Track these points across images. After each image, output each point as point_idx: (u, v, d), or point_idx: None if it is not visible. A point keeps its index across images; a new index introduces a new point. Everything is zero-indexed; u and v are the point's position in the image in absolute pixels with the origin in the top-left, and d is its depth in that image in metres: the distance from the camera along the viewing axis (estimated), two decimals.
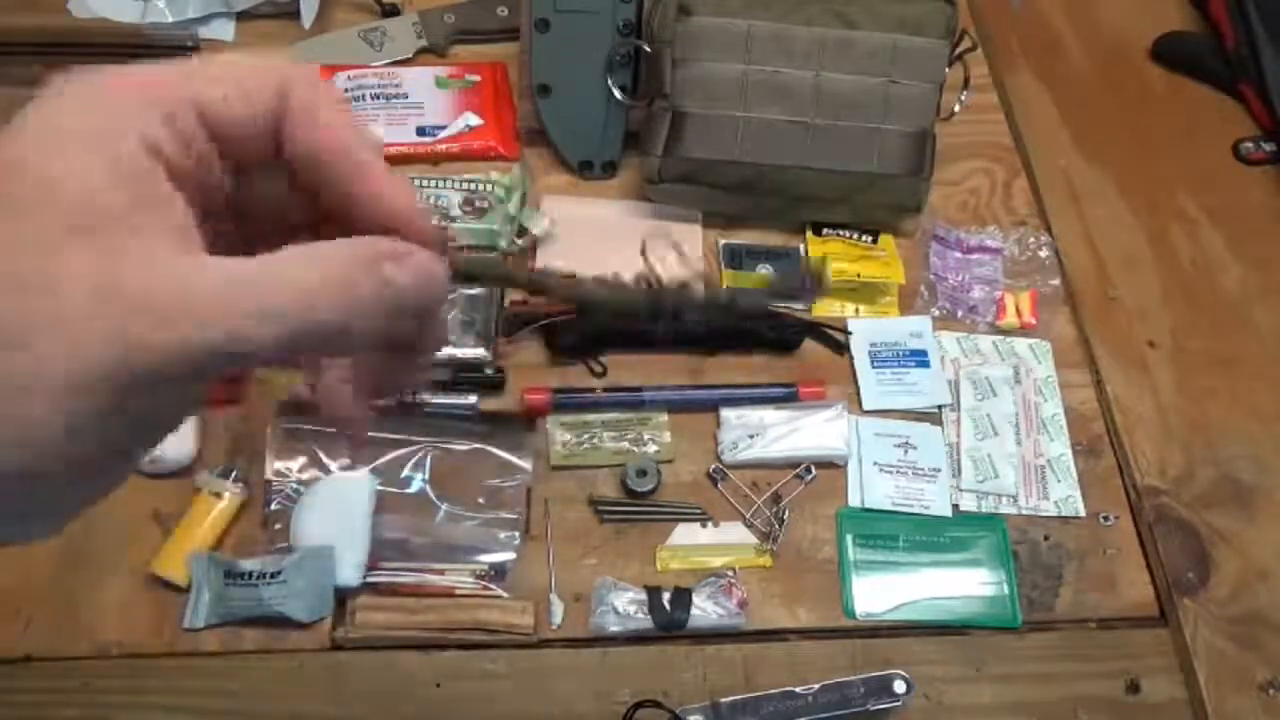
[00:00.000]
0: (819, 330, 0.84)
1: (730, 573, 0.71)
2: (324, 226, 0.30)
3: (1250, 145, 0.99)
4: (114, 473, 0.27)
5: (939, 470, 0.78)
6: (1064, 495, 0.77)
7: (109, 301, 0.23)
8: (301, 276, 0.25)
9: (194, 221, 0.26)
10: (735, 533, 0.74)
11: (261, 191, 0.30)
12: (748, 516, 0.75)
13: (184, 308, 0.23)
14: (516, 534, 0.72)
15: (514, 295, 0.84)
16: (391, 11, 1.01)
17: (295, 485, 0.73)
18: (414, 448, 0.75)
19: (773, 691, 0.66)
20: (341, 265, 0.26)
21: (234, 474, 0.72)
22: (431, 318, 0.31)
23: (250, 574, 0.68)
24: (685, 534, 0.74)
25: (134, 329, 0.23)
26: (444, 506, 0.73)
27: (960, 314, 0.86)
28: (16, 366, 0.22)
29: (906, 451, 0.78)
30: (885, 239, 0.89)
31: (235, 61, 0.28)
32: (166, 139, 0.26)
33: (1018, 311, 0.86)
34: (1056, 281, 0.88)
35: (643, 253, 0.28)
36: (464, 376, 0.78)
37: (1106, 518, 0.77)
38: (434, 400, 0.77)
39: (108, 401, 0.23)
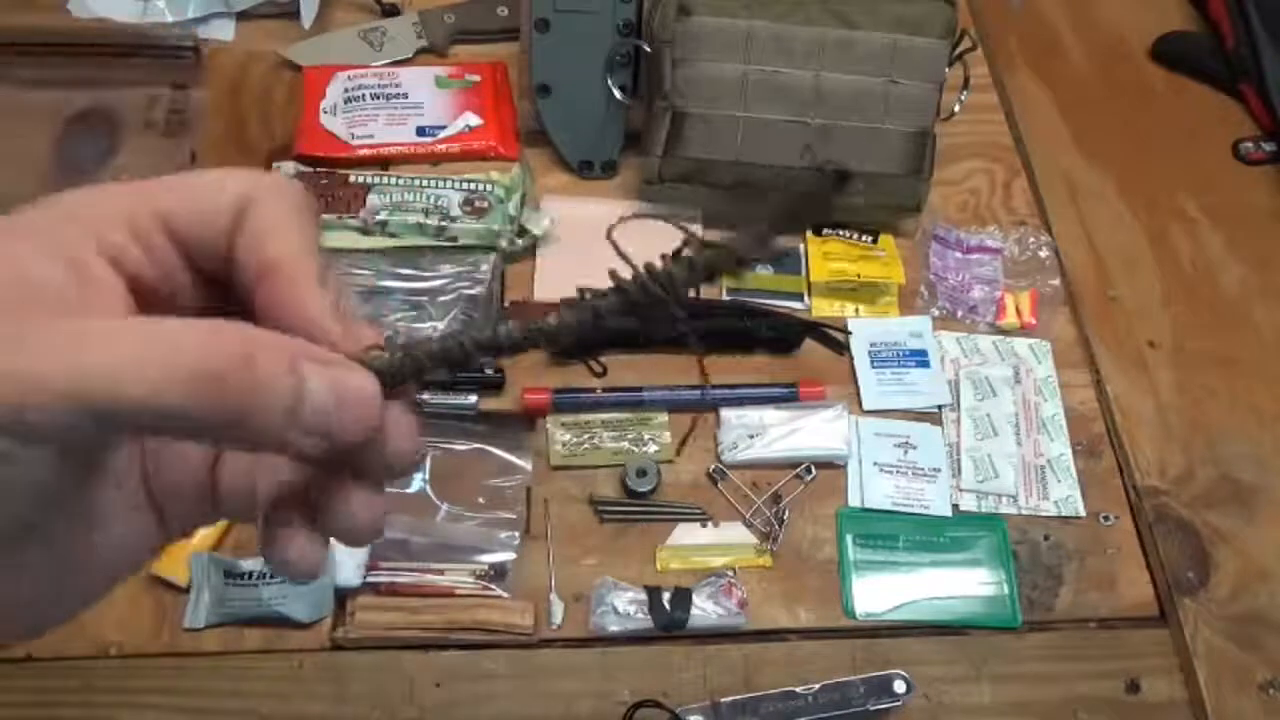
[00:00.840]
0: (819, 330, 0.84)
1: (730, 573, 0.71)
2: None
3: (1250, 145, 0.99)
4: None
5: (939, 470, 0.78)
6: (1064, 495, 0.77)
7: None
8: (182, 339, 0.23)
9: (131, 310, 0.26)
10: (735, 533, 0.74)
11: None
12: (748, 516, 0.75)
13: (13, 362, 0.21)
14: (516, 534, 0.72)
15: (513, 295, 0.84)
16: (391, 11, 1.01)
17: None
18: None
19: (773, 691, 0.66)
20: (201, 344, 0.23)
21: None
22: (361, 446, 0.27)
23: (250, 574, 0.68)
24: (685, 534, 0.74)
25: None
26: (444, 506, 0.73)
27: (960, 314, 0.86)
28: None
29: (906, 451, 0.78)
30: (885, 239, 0.89)
31: (202, 174, 0.28)
32: (127, 245, 0.26)
33: (1018, 311, 0.86)
34: (1056, 281, 0.88)
35: (619, 253, 0.25)
36: (464, 376, 0.78)
37: (1106, 518, 0.77)
38: (434, 400, 0.77)
39: None
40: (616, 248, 0.27)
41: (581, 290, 0.28)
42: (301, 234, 0.28)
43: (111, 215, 0.26)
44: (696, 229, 0.28)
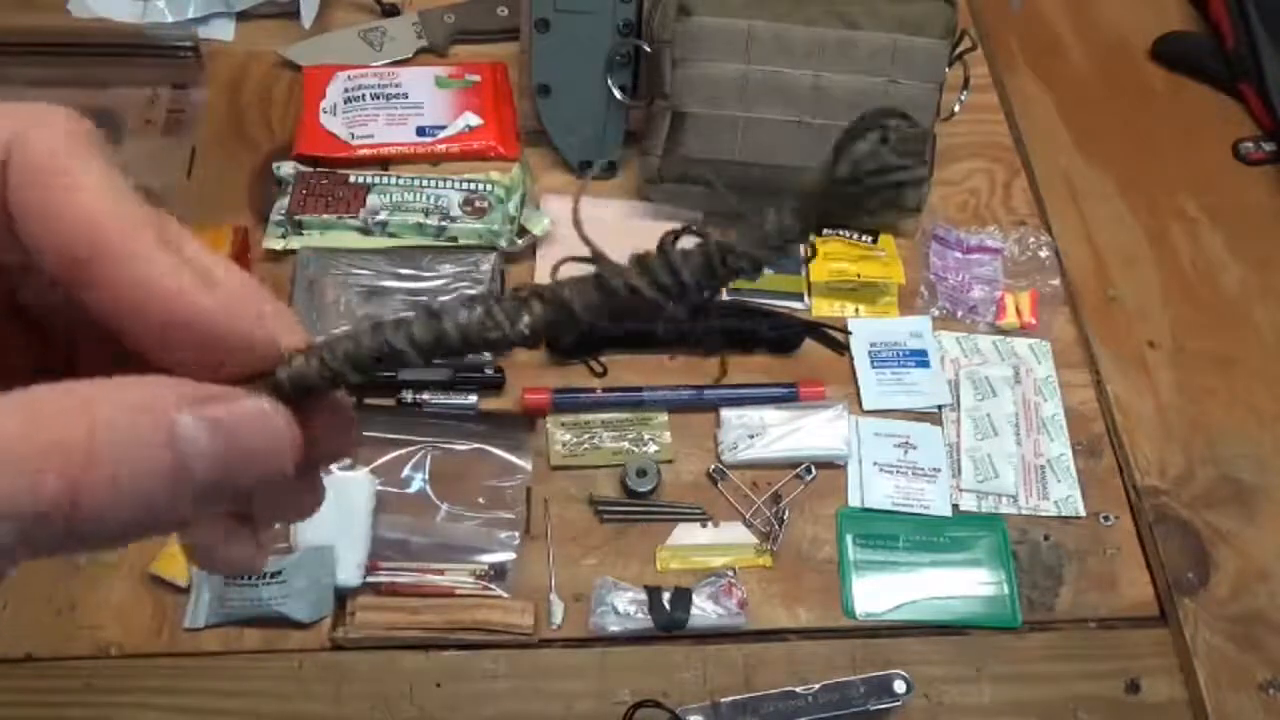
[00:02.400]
0: (819, 330, 0.84)
1: (730, 573, 0.71)
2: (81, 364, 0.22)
3: (1250, 145, 0.99)
4: None
5: (939, 470, 0.78)
6: (1064, 495, 0.77)
7: None
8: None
9: None
10: (735, 533, 0.74)
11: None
12: (748, 516, 0.75)
13: None
14: (516, 534, 0.72)
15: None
16: (391, 11, 1.01)
17: None
18: (414, 448, 0.75)
19: (773, 691, 0.66)
20: (58, 417, 0.17)
21: None
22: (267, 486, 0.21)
23: (250, 574, 0.68)
24: (685, 534, 0.74)
25: None
26: (444, 506, 0.73)
27: (960, 314, 0.86)
28: None
29: (906, 451, 0.78)
30: (885, 239, 0.89)
31: None
32: None
33: (1018, 311, 0.86)
34: (1056, 281, 0.88)
35: (596, 256, 0.21)
36: (464, 376, 0.78)
37: (1106, 518, 0.77)
38: (434, 400, 0.77)
39: None
40: (587, 241, 0.24)
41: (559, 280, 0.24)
42: (106, 177, 0.19)
43: None
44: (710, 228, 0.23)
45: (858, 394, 0.81)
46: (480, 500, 0.73)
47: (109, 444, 0.18)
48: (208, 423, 0.19)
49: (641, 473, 0.74)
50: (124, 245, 0.19)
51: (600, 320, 0.23)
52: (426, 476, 0.74)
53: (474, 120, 0.93)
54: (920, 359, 0.83)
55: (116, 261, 0.19)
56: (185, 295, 0.19)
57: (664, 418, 0.78)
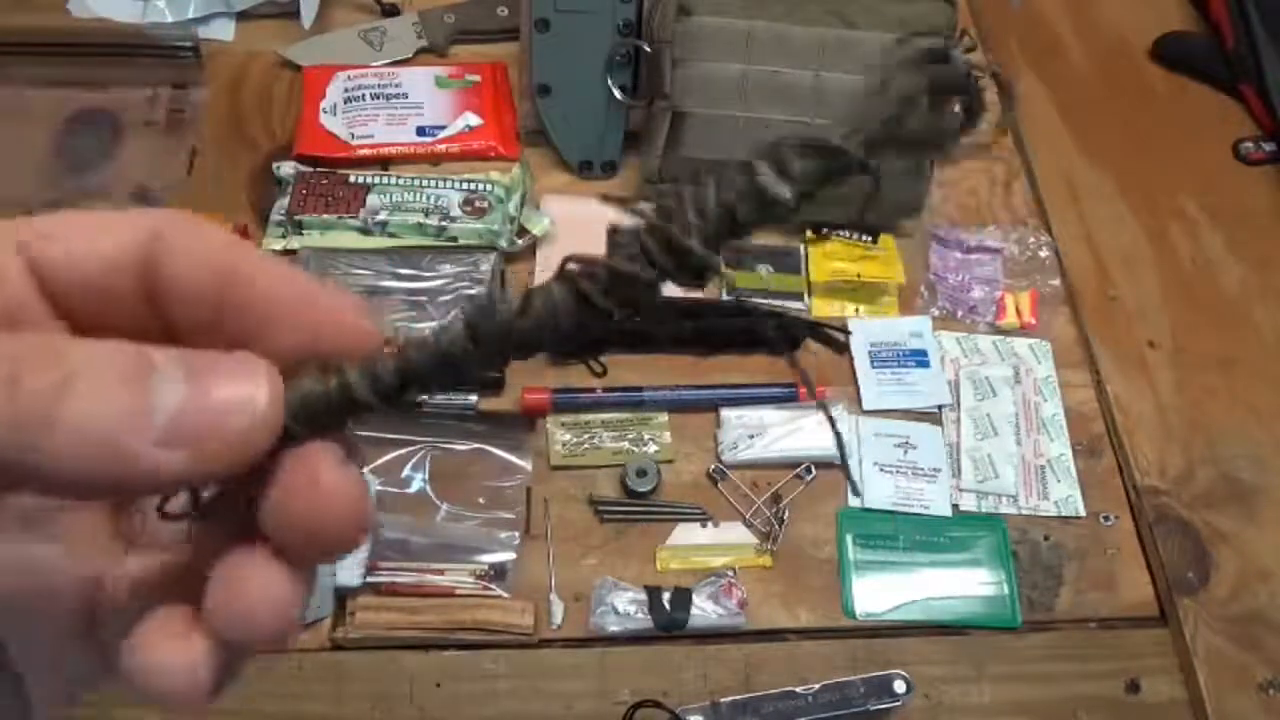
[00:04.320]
0: (819, 330, 0.84)
1: (730, 573, 0.71)
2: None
3: (1250, 145, 0.99)
4: None
5: (939, 470, 0.78)
6: (1064, 495, 0.77)
7: None
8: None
9: None
10: (735, 533, 0.74)
11: None
12: (748, 516, 0.75)
13: None
14: (516, 534, 0.72)
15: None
16: (391, 11, 1.01)
17: None
18: (414, 448, 0.75)
19: (773, 691, 0.66)
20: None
21: None
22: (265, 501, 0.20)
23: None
24: (685, 534, 0.74)
25: None
26: (444, 506, 0.73)
27: (960, 314, 0.86)
28: None
29: (906, 451, 0.78)
30: (885, 239, 0.89)
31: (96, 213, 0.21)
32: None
33: (1018, 311, 0.86)
34: (1056, 281, 0.88)
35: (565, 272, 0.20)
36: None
37: (1106, 518, 0.77)
38: (434, 400, 0.77)
39: None
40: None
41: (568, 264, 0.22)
42: (237, 240, 0.22)
43: None
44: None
45: (858, 394, 0.81)
46: (480, 500, 0.73)
47: (86, 360, 0.18)
48: (185, 365, 0.19)
49: (641, 473, 0.74)
50: (251, 254, 0.21)
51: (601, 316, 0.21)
52: (426, 476, 0.74)
53: (474, 120, 0.93)
54: (920, 359, 0.83)
55: (253, 264, 0.21)
56: (307, 277, 0.21)
57: (664, 418, 0.78)
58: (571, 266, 0.21)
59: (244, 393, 0.19)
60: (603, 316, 0.21)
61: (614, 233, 0.21)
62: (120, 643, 0.21)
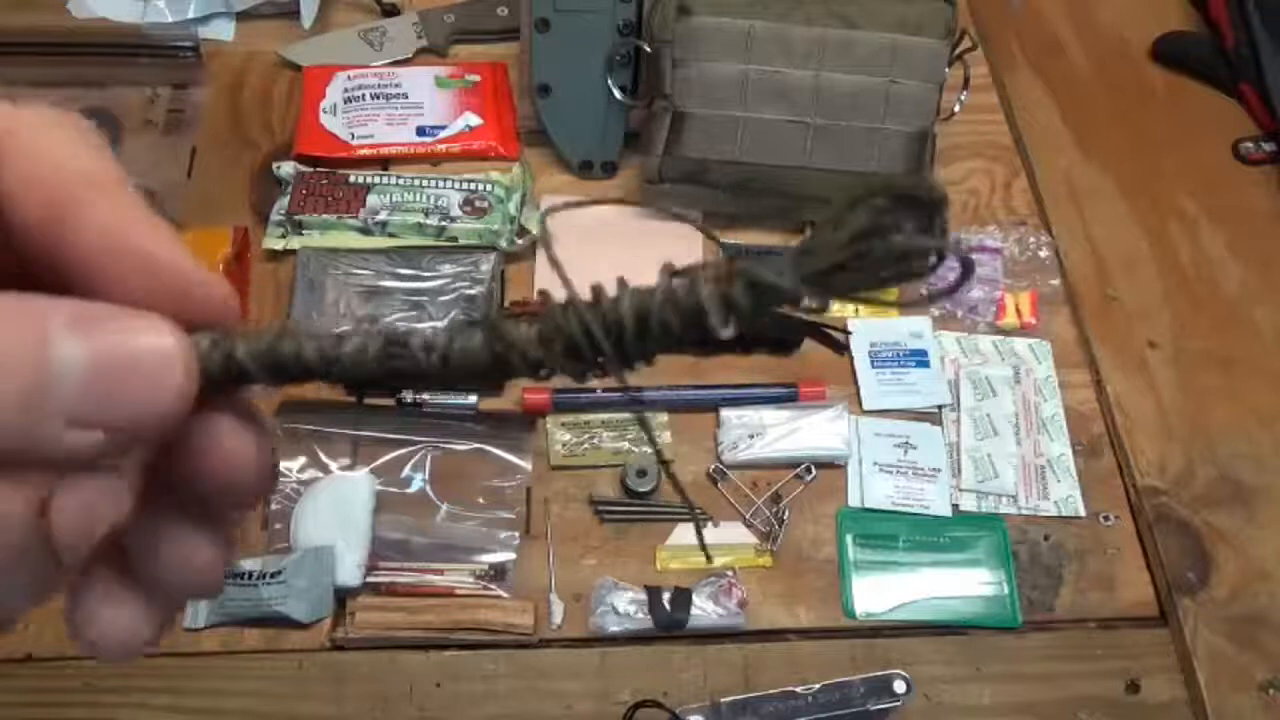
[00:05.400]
0: (819, 330, 0.83)
1: (730, 573, 0.71)
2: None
3: (1250, 145, 0.99)
4: None
5: (939, 470, 0.78)
6: (1064, 495, 0.77)
7: None
8: None
9: None
10: (735, 533, 0.74)
11: None
12: (748, 516, 0.75)
13: None
14: (516, 534, 0.72)
15: (513, 296, 0.84)
16: (391, 11, 1.01)
17: (295, 485, 0.73)
18: (414, 448, 0.75)
19: (773, 691, 0.66)
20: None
21: None
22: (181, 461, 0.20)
23: (250, 574, 0.68)
24: (685, 534, 0.74)
25: None
26: (444, 506, 0.73)
27: (960, 314, 0.86)
28: None
29: (906, 451, 0.78)
30: None
31: None
32: None
33: (1018, 311, 0.86)
34: (1056, 281, 0.88)
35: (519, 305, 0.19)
36: None
37: (1106, 518, 0.77)
38: (434, 400, 0.77)
39: None
40: (549, 251, 0.22)
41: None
42: (96, 158, 0.19)
43: None
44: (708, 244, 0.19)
45: (858, 394, 0.81)
46: (480, 500, 0.73)
47: None
48: (97, 339, 0.17)
49: (641, 473, 0.74)
50: (98, 190, 0.19)
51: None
52: (426, 476, 0.74)
53: (474, 120, 0.93)
54: (920, 359, 0.83)
55: (93, 205, 0.19)
56: (160, 232, 0.19)
57: (664, 418, 0.78)
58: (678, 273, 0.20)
59: (158, 360, 0.18)
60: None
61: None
62: (72, 606, 0.21)
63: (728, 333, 0.19)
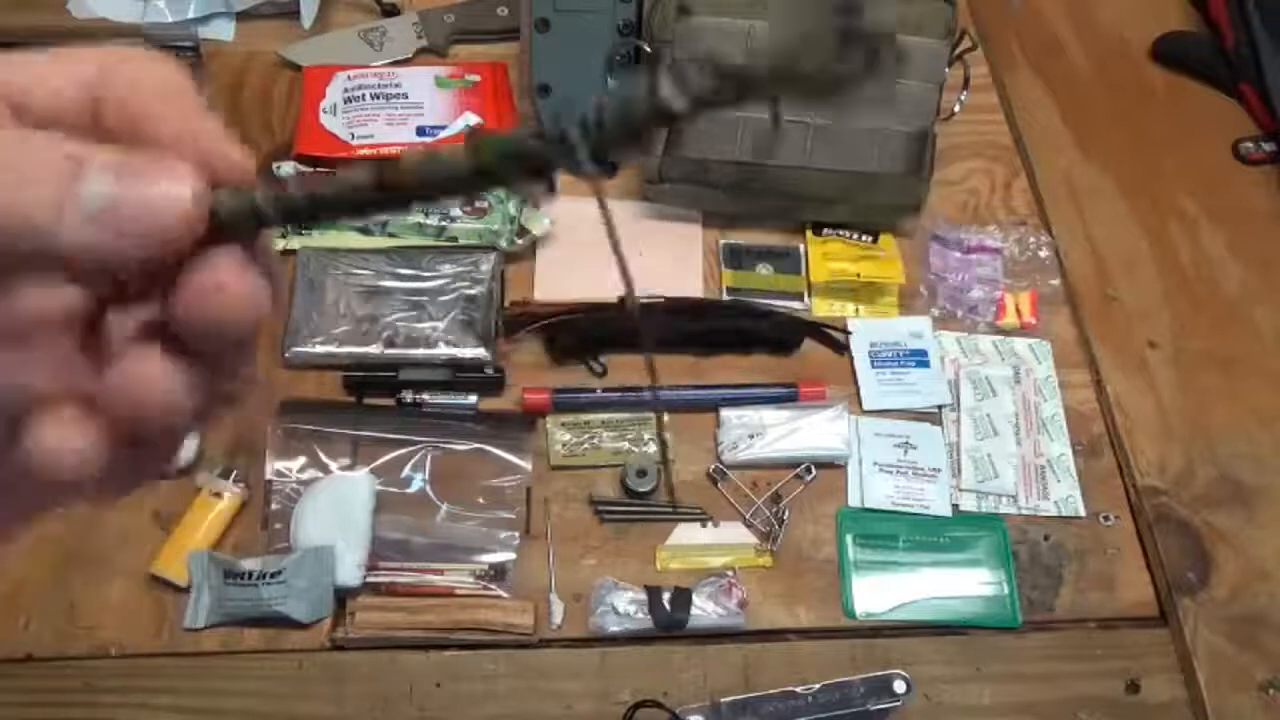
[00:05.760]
0: (819, 330, 0.84)
1: (730, 573, 0.71)
2: None
3: (1250, 145, 0.99)
4: None
5: (939, 470, 0.78)
6: (1064, 495, 0.77)
7: None
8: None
9: None
10: (735, 533, 0.74)
11: None
12: (748, 516, 0.75)
13: None
14: (516, 534, 0.72)
15: (514, 295, 0.84)
16: (391, 11, 1.01)
17: (295, 485, 0.73)
18: (414, 448, 0.75)
19: (773, 691, 0.66)
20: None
21: (234, 474, 0.72)
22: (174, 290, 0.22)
23: (250, 574, 0.68)
24: (685, 534, 0.74)
25: None
26: (444, 506, 0.73)
27: (960, 314, 0.86)
28: None
29: (906, 451, 0.78)
30: (885, 239, 0.89)
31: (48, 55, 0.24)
32: None
33: (1018, 311, 0.86)
34: (1056, 281, 0.88)
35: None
36: (464, 376, 0.78)
37: (1106, 518, 0.77)
38: (434, 400, 0.77)
39: None
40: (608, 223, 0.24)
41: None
42: (183, 94, 0.24)
43: None
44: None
45: (858, 394, 0.81)
46: (480, 500, 0.73)
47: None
48: (122, 174, 0.21)
49: (641, 473, 0.74)
50: (187, 112, 0.23)
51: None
52: (426, 476, 0.74)
53: (474, 120, 0.93)
54: (920, 359, 0.83)
55: (161, 116, 0.23)
56: (217, 140, 0.23)
57: (664, 418, 0.78)
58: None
59: (172, 191, 0.21)
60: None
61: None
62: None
63: (680, 103, 0.21)
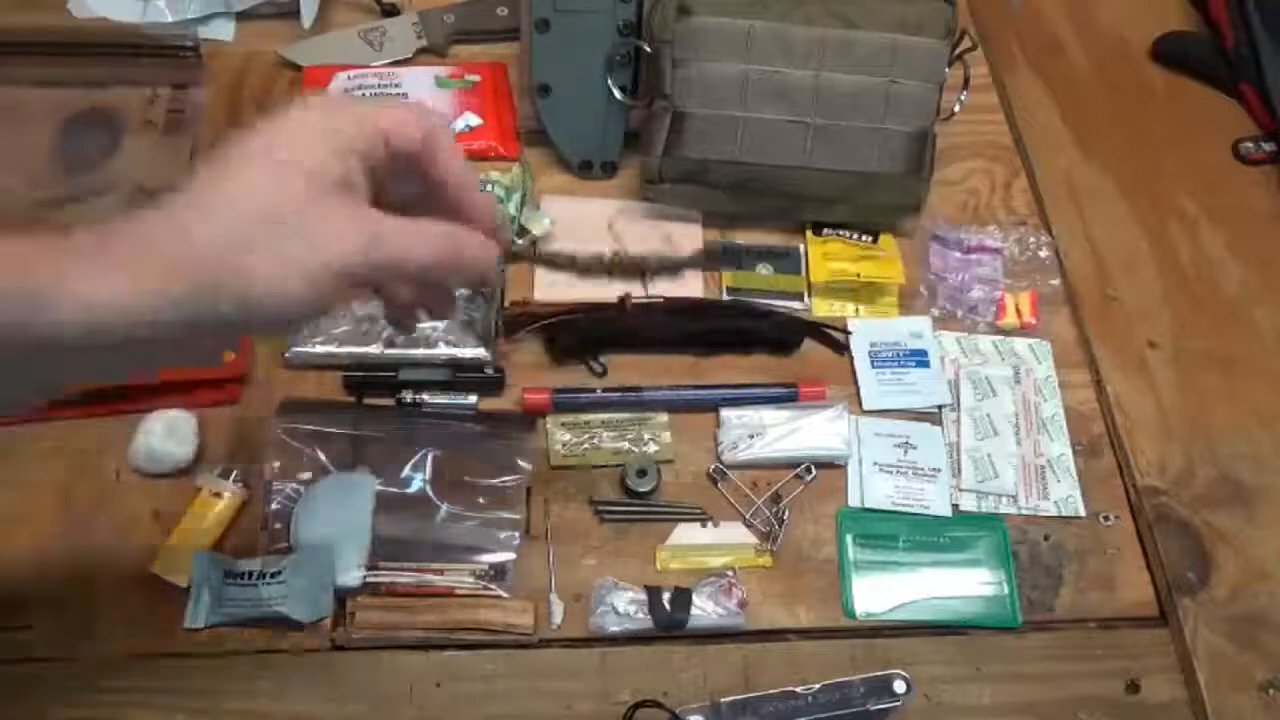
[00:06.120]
0: (819, 330, 0.84)
1: (730, 573, 0.71)
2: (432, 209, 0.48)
3: (1250, 145, 0.99)
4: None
5: (939, 470, 0.78)
6: (1064, 495, 0.77)
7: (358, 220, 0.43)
8: (429, 232, 0.45)
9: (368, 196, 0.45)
10: (735, 533, 0.74)
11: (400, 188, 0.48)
12: (748, 516, 0.75)
13: (375, 236, 0.43)
14: (516, 534, 0.72)
15: (513, 296, 0.84)
16: (391, 11, 1.01)
17: (295, 485, 0.72)
18: (414, 448, 0.75)
19: (773, 691, 0.66)
20: (442, 234, 0.46)
21: (234, 474, 0.72)
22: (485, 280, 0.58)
23: (250, 574, 0.68)
24: (685, 534, 0.74)
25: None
26: (444, 506, 0.73)
27: (960, 314, 0.86)
28: (293, 253, 0.41)
29: (906, 451, 0.78)
30: (885, 239, 0.89)
31: (408, 106, 0.49)
32: (365, 150, 0.44)
33: (1018, 311, 0.86)
34: (1056, 281, 0.88)
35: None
36: (464, 376, 0.78)
37: (1106, 518, 0.77)
38: (434, 400, 0.77)
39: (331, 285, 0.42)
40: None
41: None
42: (461, 157, 0.48)
43: (356, 129, 0.43)
44: None
45: (858, 394, 0.81)
46: (480, 500, 0.73)
47: (468, 245, 0.47)
48: (486, 250, 0.48)
49: (641, 473, 0.74)
50: (472, 189, 0.49)
51: None
52: (426, 476, 0.74)
53: (474, 120, 0.93)
54: (920, 359, 0.83)
55: (469, 193, 0.48)
56: (486, 208, 0.49)
57: (664, 418, 0.78)
58: None
59: (493, 254, 0.48)
60: None
61: None
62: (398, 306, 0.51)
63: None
